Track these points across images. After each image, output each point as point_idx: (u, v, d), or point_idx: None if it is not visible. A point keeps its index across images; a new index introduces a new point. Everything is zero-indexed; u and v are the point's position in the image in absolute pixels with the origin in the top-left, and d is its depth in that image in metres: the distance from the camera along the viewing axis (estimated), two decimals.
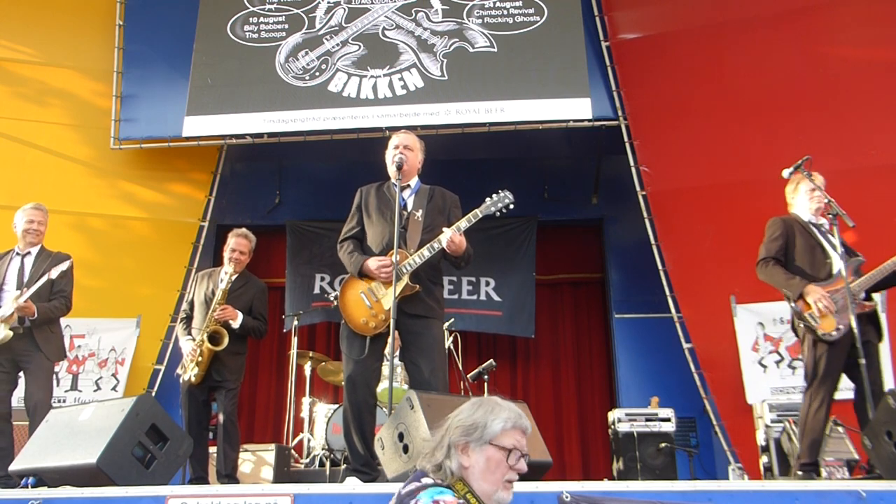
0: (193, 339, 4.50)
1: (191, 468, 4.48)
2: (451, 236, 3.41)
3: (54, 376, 4.56)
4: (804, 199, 4.00)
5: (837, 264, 3.82)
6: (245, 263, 4.70)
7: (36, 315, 4.26)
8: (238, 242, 4.65)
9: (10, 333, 4.20)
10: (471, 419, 1.75)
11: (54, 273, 4.28)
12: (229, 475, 4.42)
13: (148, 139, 6.83)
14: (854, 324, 3.57)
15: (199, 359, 4.39)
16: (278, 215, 7.92)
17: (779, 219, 4.04)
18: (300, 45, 6.83)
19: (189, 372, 4.43)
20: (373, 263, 3.49)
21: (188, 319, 4.68)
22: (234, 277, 4.59)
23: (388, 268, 3.44)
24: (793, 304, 3.84)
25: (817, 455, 3.77)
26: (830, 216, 3.89)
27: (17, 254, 4.48)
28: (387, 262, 3.46)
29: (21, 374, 4.33)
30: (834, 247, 3.87)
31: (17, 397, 4.39)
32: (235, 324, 4.47)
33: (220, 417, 4.48)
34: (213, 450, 4.64)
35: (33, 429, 3.98)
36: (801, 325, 3.83)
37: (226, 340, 4.41)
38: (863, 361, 3.54)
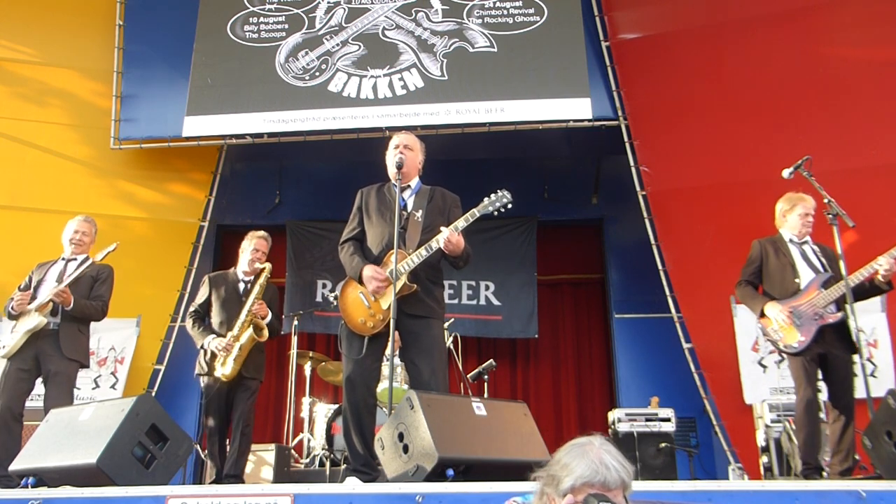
0: (221, 336, 4.48)
1: (212, 469, 4.49)
2: (447, 236, 3.41)
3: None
4: (796, 221, 4.12)
5: (805, 281, 3.99)
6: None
7: (72, 305, 4.29)
8: (261, 244, 4.74)
9: (44, 320, 4.24)
10: (551, 469, 1.66)
11: (99, 255, 4.39)
12: (237, 475, 4.43)
13: (148, 139, 6.83)
14: (855, 329, 3.63)
15: (237, 353, 4.42)
16: (278, 215, 7.93)
17: (757, 242, 4.24)
18: (300, 45, 6.84)
19: (227, 366, 4.41)
20: (367, 272, 3.47)
21: (200, 320, 4.64)
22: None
23: (379, 282, 3.43)
24: (758, 323, 4.08)
25: (814, 456, 3.85)
26: (830, 216, 3.94)
27: (63, 259, 4.56)
28: (380, 277, 3.44)
29: (41, 376, 4.32)
30: (810, 264, 4.03)
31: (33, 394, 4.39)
32: (267, 320, 4.58)
33: (235, 416, 4.50)
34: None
35: None
36: (767, 341, 4.04)
37: (266, 333, 4.53)
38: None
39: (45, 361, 4.27)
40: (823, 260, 4.06)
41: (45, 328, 4.28)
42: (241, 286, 4.67)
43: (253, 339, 4.47)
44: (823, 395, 3.99)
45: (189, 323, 4.64)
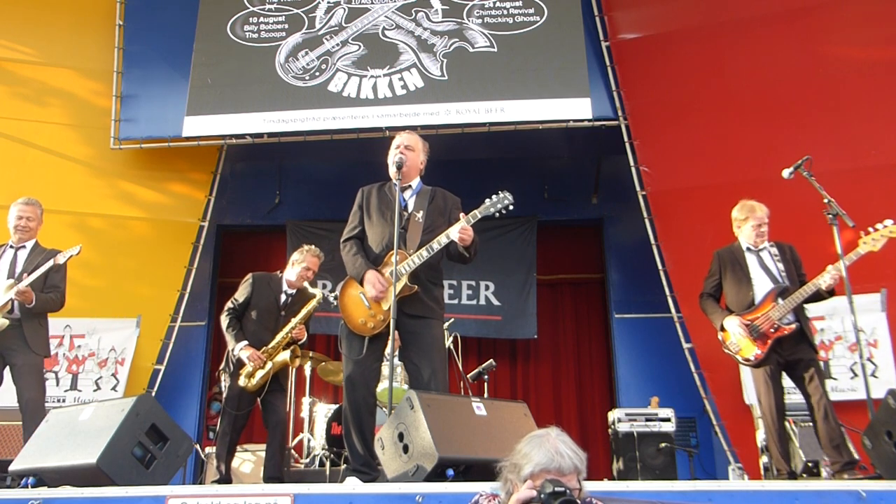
0: (252, 346, 4.48)
1: (217, 472, 4.51)
2: (465, 225, 3.42)
3: (54, 376, 4.54)
4: (750, 231, 4.21)
5: (759, 294, 4.09)
6: None
7: (34, 303, 4.19)
8: (314, 262, 4.73)
9: (6, 322, 4.15)
10: (514, 458, 1.86)
11: (61, 258, 4.23)
12: (279, 477, 4.49)
13: (148, 139, 6.83)
14: (854, 328, 3.65)
15: (267, 370, 4.46)
16: (278, 215, 7.93)
17: (716, 254, 4.35)
18: (300, 45, 6.83)
19: (253, 379, 4.45)
20: (369, 277, 3.47)
21: (237, 319, 4.61)
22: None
23: (379, 291, 3.42)
24: (719, 336, 4.19)
25: (788, 464, 3.98)
26: (830, 216, 3.96)
27: (11, 247, 4.42)
28: (380, 287, 3.43)
29: (6, 369, 4.27)
30: (768, 271, 4.12)
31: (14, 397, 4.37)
32: (302, 340, 4.62)
33: (272, 419, 4.56)
34: (210, 450, 4.66)
35: (27, 427, 3.96)
36: (725, 350, 4.15)
37: (298, 361, 4.59)
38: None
39: (9, 355, 4.20)
40: (781, 265, 4.13)
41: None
42: (283, 297, 4.68)
43: (286, 363, 4.51)
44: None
45: (224, 320, 4.61)
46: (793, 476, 3.98)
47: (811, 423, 4.90)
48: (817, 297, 4.01)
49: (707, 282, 4.36)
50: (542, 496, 1.72)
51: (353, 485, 3.14)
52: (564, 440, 1.83)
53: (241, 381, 4.46)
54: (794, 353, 3.99)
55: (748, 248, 4.22)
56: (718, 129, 6.25)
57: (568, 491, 1.72)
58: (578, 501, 1.76)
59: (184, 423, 6.23)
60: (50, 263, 4.22)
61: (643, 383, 6.80)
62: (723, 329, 4.16)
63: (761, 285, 4.11)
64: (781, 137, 5.92)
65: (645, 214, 6.36)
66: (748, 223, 4.21)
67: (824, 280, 3.92)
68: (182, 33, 6.93)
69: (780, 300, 4.01)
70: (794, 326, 3.97)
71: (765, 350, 3.96)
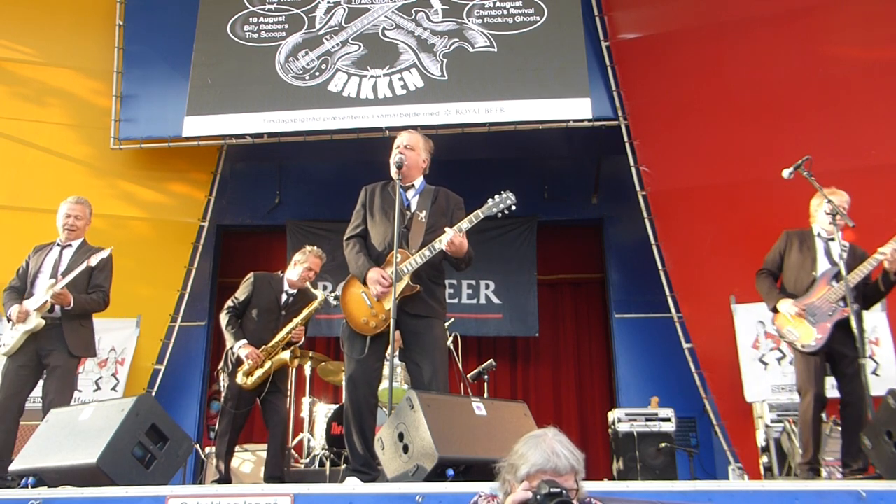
0: (251, 345, 4.50)
1: (216, 471, 4.51)
2: (451, 237, 3.40)
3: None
4: (823, 217, 4.09)
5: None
6: None
7: (72, 305, 4.19)
8: (315, 263, 4.74)
9: (42, 322, 4.14)
10: (511, 459, 1.86)
11: (94, 260, 4.22)
12: (280, 476, 4.50)
13: (148, 139, 6.83)
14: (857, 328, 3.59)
15: (265, 369, 4.47)
16: (278, 215, 7.93)
17: (785, 232, 4.24)
18: (300, 45, 6.83)
19: (251, 378, 4.46)
20: (372, 275, 3.47)
21: (236, 318, 4.63)
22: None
23: (383, 287, 3.42)
24: (773, 324, 4.12)
25: (814, 454, 3.87)
26: (831, 216, 3.94)
27: (58, 245, 4.44)
28: (385, 283, 3.43)
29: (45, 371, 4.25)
30: (832, 261, 4.01)
31: (33, 397, 4.35)
32: (300, 342, 4.65)
33: (273, 419, 4.59)
34: (209, 450, 4.66)
35: None
36: (782, 339, 4.06)
37: (297, 362, 4.68)
38: (863, 362, 3.60)
39: (46, 356, 4.19)
40: (847, 258, 4.00)
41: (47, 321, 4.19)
42: (284, 297, 4.70)
43: (284, 362, 4.52)
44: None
45: (224, 318, 4.63)
46: (814, 467, 3.89)
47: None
48: (875, 291, 3.93)
49: (768, 257, 4.25)
50: (538, 497, 1.71)
51: (353, 485, 3.14)
52: (561, 440, 1.82)
53: (239, 379, 4.46)
54: (841, 346, 3.88)
55: (819, 234, 4.13)
56: (718, 129, 6.25)
57: (564, 491, 1.71)
58: (575, 502, 1.74)
59: (184, 423, 6.23)
60: (82, 267, 4.22)
61: (643, 383, 6.80)
62: (775, 311, 4.07)
63: (821, 272, 4.01)
64: (781, 137, 5.91)
65: (645, 214, 6.36)
66: (822, 208, 4.10)
67: (884, 253, 3.81)
68: (182, 33, 6.93)
69: (834, 283, 3.93)
70: (852, 308, 3.83)
71: (825, 335, 3.86)
